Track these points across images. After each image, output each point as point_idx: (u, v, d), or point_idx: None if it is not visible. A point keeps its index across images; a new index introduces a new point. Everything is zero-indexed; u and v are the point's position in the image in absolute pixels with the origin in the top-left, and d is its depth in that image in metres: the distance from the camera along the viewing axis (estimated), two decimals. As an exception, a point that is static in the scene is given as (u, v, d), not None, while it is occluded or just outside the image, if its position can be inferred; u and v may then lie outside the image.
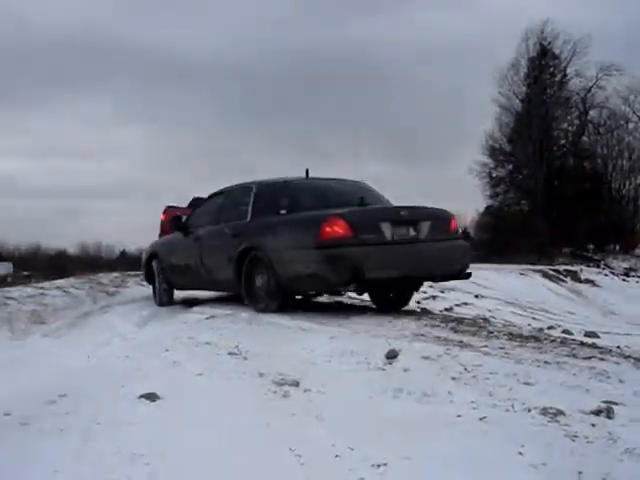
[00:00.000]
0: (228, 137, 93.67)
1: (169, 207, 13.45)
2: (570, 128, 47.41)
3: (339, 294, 9.63)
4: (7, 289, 10.82)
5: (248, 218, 8.77)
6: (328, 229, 7.51)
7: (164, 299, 10.53)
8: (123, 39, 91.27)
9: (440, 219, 8.31)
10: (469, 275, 8.91)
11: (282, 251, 8.03)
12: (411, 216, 7.99)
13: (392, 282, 8.20)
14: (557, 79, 46.46)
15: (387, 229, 7.68)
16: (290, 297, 8.62)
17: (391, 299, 9.14)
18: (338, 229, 7.49)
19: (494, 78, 45.75)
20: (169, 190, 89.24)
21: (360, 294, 8.53)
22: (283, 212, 8.29)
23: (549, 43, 45.55)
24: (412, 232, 7.95)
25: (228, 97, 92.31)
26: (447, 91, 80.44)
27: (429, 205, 8.62)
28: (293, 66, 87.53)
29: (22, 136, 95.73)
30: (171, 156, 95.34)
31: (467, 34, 76.73)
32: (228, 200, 9.56)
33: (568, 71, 45.72)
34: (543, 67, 46.05)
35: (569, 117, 47.33)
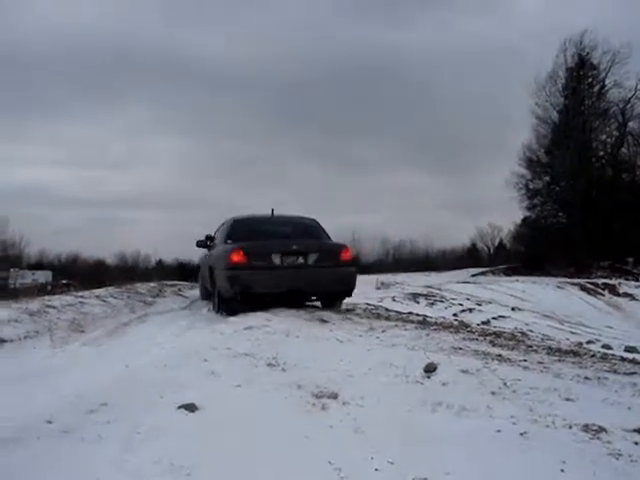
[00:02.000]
0: (262, 146, 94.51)
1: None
2: (609, 139, 46.89)
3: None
4: (47, 297, 10.95)
5: (218, 244, 11.70)
6: (233, 257, 10.05)
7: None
8: (157, 48, 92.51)
9: (328, 251, 10.63)
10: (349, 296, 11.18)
11: (218, 270, 10.62)
12: (300, 248, 10.31)
13: (279, 295, 10.14)
14: (595, 90, 45.95)
15: (277, 258, 10.11)
16: (229, 304, 10.31)
17: (326, 302, 11.10)
18: (237, 257, 10.01)
19: (531, 89, 45.48)
20: (205, 200, 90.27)
21: (247, 305, 10.02)
22: (229, 241, 10.87)
23: (587, 54, 45.17)
24: (300, 260, 10.23)
25: (261, 106, 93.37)
26: (484, 100, 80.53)
27: (335, 241, 11.57)
28: (327, 75, 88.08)
29: (61, 146, 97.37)
30: (207, 165, 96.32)
31: (504, 41, 76.68)
32: (222, 227, 12.21)
33: (607, 82, 45.31)
34: (581, 78, 45.65)
35: (608, 128, 46.77)
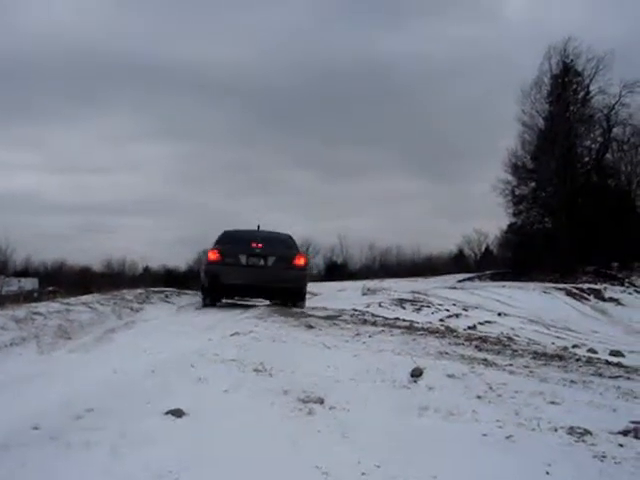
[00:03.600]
0: (253, 153, 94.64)
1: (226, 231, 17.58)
2: (593, 145, 47.20)
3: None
4: (34, 304, 10.89)
5: (209, 248, 14.25)
6: (211, 255, 13.55)
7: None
8: (142, 54, 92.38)
9: (285, 257, 13.52)
10: (302, 293, 13.77)
11: (202, 266, 14.48)
12: (262, 252, 13.33)
13: (243, 287, 13.45)
14: (580, 96, 46.29)
15: (243, 258, 13.26)
16: (209, 294, 13.69)
17: (287, 301, 13.68)
18: (214, 256, 13.43)
19: (517, 96, 45.75)
20: (191, 206, 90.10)
21: (222, 295, 14.15)
22: (216, 246, 13.80)
23: (572, 61, 45.51)
24: (261, 262, 13.32)
25: (251, 113, 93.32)
26: (473, 107, 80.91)
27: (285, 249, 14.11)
28: (316, 80, 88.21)
29: (44, 151, 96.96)
30: (195, 172, 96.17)
31: (494, 48, 77.12)
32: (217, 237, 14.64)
33: (591, 88, 45.64)
34: (566, 85, 45.95)
35: (592, 134, 47.08)
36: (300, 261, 13.64)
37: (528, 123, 46.47)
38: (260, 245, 13.42)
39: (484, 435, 4.22)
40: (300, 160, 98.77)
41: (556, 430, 4.24)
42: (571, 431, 4.18)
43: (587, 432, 4.15)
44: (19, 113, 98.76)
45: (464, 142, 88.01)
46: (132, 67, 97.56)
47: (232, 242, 13.70)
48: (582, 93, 46.20)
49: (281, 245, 14.06)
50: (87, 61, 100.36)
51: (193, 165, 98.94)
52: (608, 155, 46.98)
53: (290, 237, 14.85)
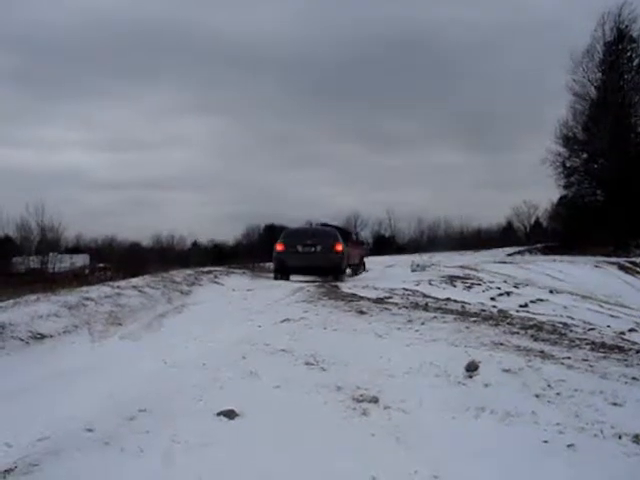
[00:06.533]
0: (297, 125, 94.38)
1: (322, 224, 23.81)
2: (648, 115, 45.87)
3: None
4: (85, 289, 10.95)
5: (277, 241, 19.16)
6: (277, 247, 18.43)
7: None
8: (189, 29, 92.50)
9: (327, 245, 18.17)
10: (342, 270, 18.74)
11: (273, 254, 18.87)
12: (313, 243, 18.21)
13: (300, 268, 17.92)
14: (635, 64, 45.04)
15: (300, 247, 18.14)
16: (277, 272, 18.54)
17: (331, 275, 18.29)
18: (280, 247, 18.33)
19: (568, 65, 44.70)
20: (240, 180, 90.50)
21: (286, 273, 18.31)
22: (280, 240, 18.80)
23: (626, 27, 44.16)
24: (312, 249, 18.09)
25: (297, 86, 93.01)
26: (522, 75, 79.46)
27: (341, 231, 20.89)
28: (361, 52, 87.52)
29: (91, 128, 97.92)
30: (242, 145, 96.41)
31: (545, 13, 75.25)
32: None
33: (647, 55, 44.22)
34: (620, 52, 44.71)
35: (647, 103, 45.74)
36: (339, 247, 18.37)
37: (579, 93, 45.51)
38: (311, 238, 18.55)
39: (545, 442, 4.08)
40: (347, 133, 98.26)
41: (620, 437, 4.08)
42: (636, 439, 4.01)
43: (654, 440, 3.99)
44: (67, 91, 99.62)
45: (512, 112, 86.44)
46: (179, 42, 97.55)
47: (292, 236, 19.09)
48: (637, 60, 44.99)
49: (326, 237, 18.90)
50: (135, 37, 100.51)
51: (239, 139, 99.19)
52: (664, 125, 45.73)
53: (333, 230, 20.04)
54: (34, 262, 31.54)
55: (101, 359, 7.13)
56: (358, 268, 22.99)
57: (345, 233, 22.58)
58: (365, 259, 25.39)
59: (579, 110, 45.87)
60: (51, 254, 32.07)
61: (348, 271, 20.73)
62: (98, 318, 8.92)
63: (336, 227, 21.97)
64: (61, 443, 4.12)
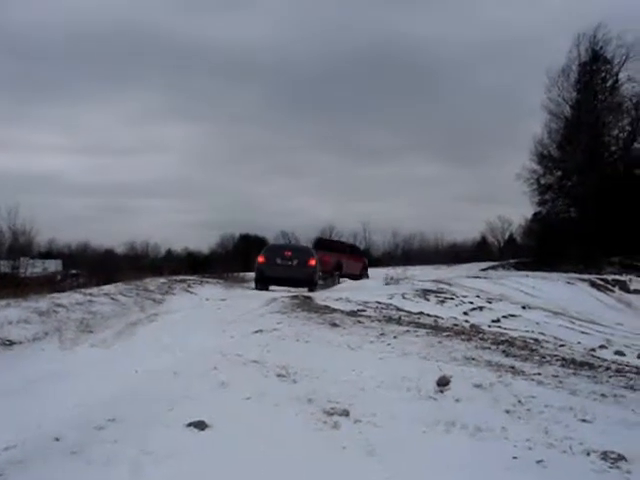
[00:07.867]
0: (277, 136, 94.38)
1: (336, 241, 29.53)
2: (621, 135, 46.30)
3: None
4: (57, 295, 10.87)
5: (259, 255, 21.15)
6: (259, 259, 20.08)
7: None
8: (170, 34, 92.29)
9: (303, 259, 20.07)
10: (314, 282, 20.26)
11: (255, 265, 20.64)
12: (290, 257, 19.97)
13: (278, 279, 19.54)
14: (609, 84, 45.46)
15: (279, 260, 19.80)
16: (257, 282, 20.03)
17: (305, 286, 19.70)
18: (261, 259, 20.00)
19: (544, 84, 45.12)
20: (216, 188, 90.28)
21: (266, 284, 19.73)
22: (262, 253, 20.67)
23: (601, 48, 44.60)
24: (289, 262, 19.75)
25: (275, 94, 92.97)
26: (499, 91, 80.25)
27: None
28: (342, 64, 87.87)
29: (68, 132, 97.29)
30: (219, 153, 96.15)
31: (523, 31, 76.04)
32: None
33: (620, 76, 44.71)
34: (594, 72, 45.14)
35: (620, 123, 46.15)
36: (312, 262, 20.36)
37: (555, 111, 45.84)
38: (289, 253, 20.61)
39: (514, 458, 4.09)
40: (324, 143, 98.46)
41: (589, 454, 4.10)
42: (604, 456, 4.04)
43: (621, 457, 4.01)
44: (46, 94, 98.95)
45: (489, 127, 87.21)
46: (162, 48, 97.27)
47: (273, 251, 21.30)
48: (611, 81, 45.43)
49: (302, 252, 21.39)
50: (117, 41, 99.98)
51: (217, 147, 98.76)
52: (636, 144, 46.15)
53: (308, 248, 24.30)
54: (5, 266, 31.13)
55: (71, 367, 7.05)
56: (362, 275, 28.83)
57: (356, 249, 32.28)
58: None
59: (554, 128, 46.22)
60: (22, 259, 31.65)
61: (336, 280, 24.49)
62: (69, 325, 8.85)
63: (351, 245, 30.56)
64: (27, 452, 4.08)
